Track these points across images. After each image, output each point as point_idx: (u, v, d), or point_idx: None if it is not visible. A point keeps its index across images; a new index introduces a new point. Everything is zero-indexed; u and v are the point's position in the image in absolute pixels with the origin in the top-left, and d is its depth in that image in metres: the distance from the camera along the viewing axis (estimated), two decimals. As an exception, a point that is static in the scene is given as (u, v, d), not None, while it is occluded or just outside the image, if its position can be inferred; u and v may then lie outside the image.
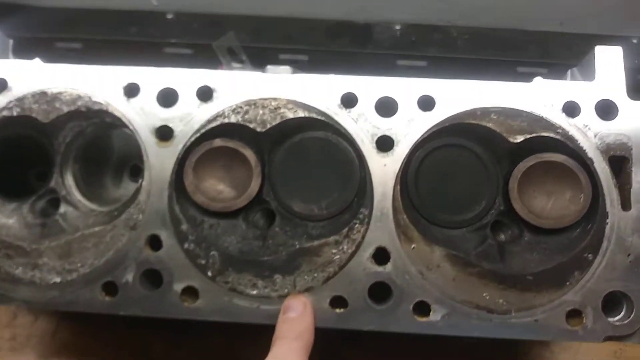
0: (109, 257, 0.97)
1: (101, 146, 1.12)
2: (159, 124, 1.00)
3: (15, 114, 0.99)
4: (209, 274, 0.97)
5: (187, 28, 1.41)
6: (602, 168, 1.00)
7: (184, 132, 1.00)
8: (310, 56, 1.42)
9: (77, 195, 1.05)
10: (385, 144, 1.00)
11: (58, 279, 0.97)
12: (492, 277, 0.99)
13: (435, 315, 0.98)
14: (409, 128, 1.00)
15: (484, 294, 0.99)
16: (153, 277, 0.98)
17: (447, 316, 0.98)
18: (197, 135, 1.00)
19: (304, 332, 0.90)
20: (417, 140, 1.00)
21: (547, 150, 1.02)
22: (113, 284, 0.98)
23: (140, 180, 1.00)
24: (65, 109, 0.99)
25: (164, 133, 1.00)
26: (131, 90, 1.01)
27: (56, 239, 0.98)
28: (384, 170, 1.00)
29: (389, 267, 0.98)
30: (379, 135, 1.00)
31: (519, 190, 1.02)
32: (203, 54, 1.43)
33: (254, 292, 0.97)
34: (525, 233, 1.05)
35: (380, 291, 0.99)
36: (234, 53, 1.45)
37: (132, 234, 0.97)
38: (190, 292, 0.98)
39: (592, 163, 1.00)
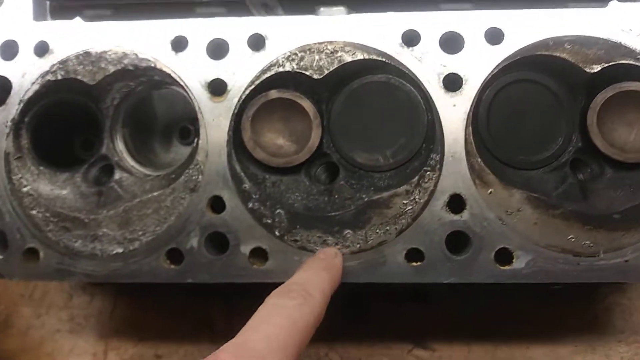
0: (171, 222, 0.92)
1: (149, 108, 1.06)
2: (211, 77, 0.94)
3: (59, 77, 0.94)
4: (277, 233, 0.92)
5: (219, -15, 1.34)
6: (688, 95, 0.92)
7: (238, 84, 0.94)
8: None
9: (129, 161, 1.00)
10: (453, 82, 0.93)
11: (120, 249, 0.93)
12: (577, 218, 0.93)
13: (518, 263, 0.92)
14: (478, 64, 0.93)
15: (569, 237, 0.93)
16: (218, 241, 0.93)
17: (532, 262, 0.92)
18: (252, 87, 0.94)
19: (333, 269, 0.86)
20: (487, 76, 0.93)
21: (626, 79, 0.93)
22: (178, 251, 0.93)
23: (195, 140, 0.95)
24: (112, 69, 0.94)
25: (217, 87, 0.94)
26: (179, 44, 0.94)
27: (114, 207, 0.94)
28: (453, 111, 0.93)
29: (465, 215, 0.92)
30: (445, 73, 0.92)
31: (598, 124, 0.94)
32: (237, 12, 1.36)
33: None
34: (607, 169, 0.98)
35: (457, 241, 0.93)
36: (269, 8, 1.38)
37: (193, 197, 0.92)
38: (259, 254, 0.93)
39: (677, 90, 0.92)
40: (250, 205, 0.93)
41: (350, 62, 0.93)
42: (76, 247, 0.94)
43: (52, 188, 0.97)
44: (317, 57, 0.93)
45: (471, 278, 0.92)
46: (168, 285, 0.95)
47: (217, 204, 0.93)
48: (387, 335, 1.19)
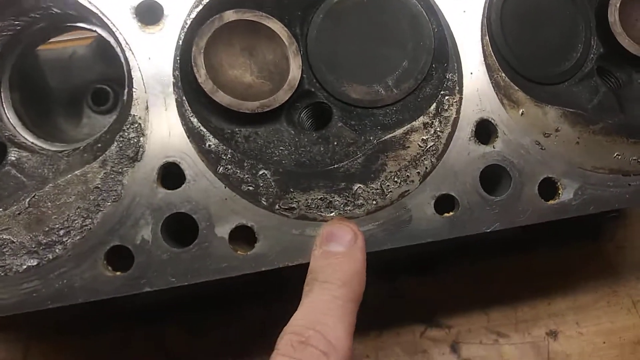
0: (107, 210, 0.63)
1: (46, 63, 0.75)
2: (138, 0, 0.66)
3: None
4: (264, 201, 0.66)
5: None
6: None
7: (178, 6, 0.67)
8: None
9: (27, 137, 0.69)
10: (458, -19, 0.73)
11: (33, 262, 0.62)
12: (619, 132, 0.77)
13: (566, 194, 0.74)
14: (482, -44, 0.74)
15: (615, 154, 0.77)
16: (182, 226, 0.66)
17: (580, 191, 0.75)
18: (198, 8, 0.67)
19: (354, 277, 0.61)
20: (496, -29, 0.74)
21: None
22: (123, 250, 0.64)
23: (125, 91, 0.66)
24: (-17, -1, 0.62)
25: (149, 12, 0.66)
26: (84, -48, 0.65)
27: (15, 201, 0.62)
28: (464, 19, 0.73)
29: (498, 143, 0.73)
30: (448, -31, 0.72)
31: (622, 21, 0.79)
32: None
33: (332, 213, 0.68)
34: (636, 75, 0.83)
35: (492, 178, 0.73)
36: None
37: (136, 169, 0.64)
38: (243, 235, 0.67)
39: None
40: (220, 169, 0.66)
41: (327, -35, 0.70)
42: (-38, 271, 0.62)
43: None
44: (282, -39, 0.69)
45: (517, 221, 0.73)
46: (105, 308, 0.65)
47: (172, 175, 0.65)
48: (393, 321, 0.97)
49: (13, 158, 0.65)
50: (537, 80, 0.79)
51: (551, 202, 0.74)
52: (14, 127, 0.68)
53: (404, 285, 1.00)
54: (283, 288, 0.76)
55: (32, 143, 0.68)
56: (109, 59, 0.84)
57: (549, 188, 0.74)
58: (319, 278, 0.61)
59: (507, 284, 1.01)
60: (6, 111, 0.68)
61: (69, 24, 0.71)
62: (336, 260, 0.62)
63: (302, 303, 0.59)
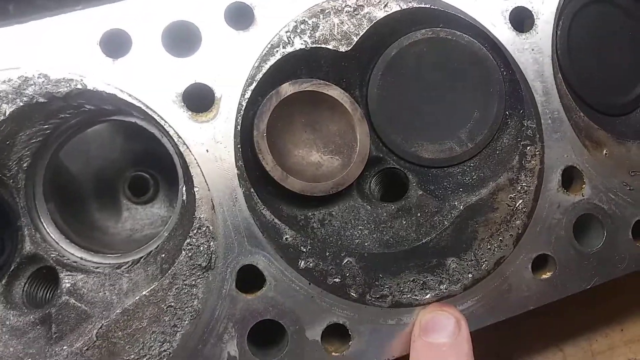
0: (186, 330, 0.56)
1: (74, 161, 0.66)
2: (184, 85, 0.58)
3: None
4: (353, 293, 0.60)
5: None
6: None
7: (230, 87, 0.59)
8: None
9: (74, 252, 0.61)
10: (522, 19, 0.67)
11: (109, 400, 0.54)
12: (702, 159, 0.72)
13: (660, 234, 0.69)
14: (543, -10, 0.68)
15: (702, 183, 0.72)
16: (269, 333, 0.58)
17: (673, 228, 0.70)
18: (253, 85, 0.60)
19: None
20: (558, 4, 0.68)
21: None
22: (209, 371, 0.57)
23: (182, 190, 0.59)
24: (8, 109, 0.54)
25: (199, 99, 0.58)
26: (116, 43, 0.57)
27: (80, 335, 0.54)
28: (532, 57, 0.67)
29: (586, 190, 0.67)
30: (511, 9, 0.66)
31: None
32: None
33: (427, 295, 0.61)
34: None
35: (582, 228, 0.68)
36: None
37: (211, 278, 0.56)
38: (336, 333, 0.60)
39: None
40: (302, 264, 0.59)
41: (384, 17, 0.63)
42: None
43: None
44: (336, 21, 0.62)
45: (616, 271, 0.67)
46: None
47: (251, 278, 0.58)
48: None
49: (68, 284, 0.57)
50: (611, 112, 0.74)
51: (646, 244, 0.69)
52: (59, 244, 0.60)
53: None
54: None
55: (82, 259, 0.60)
56: (135, 139, 0.76)
57: (641, 229, 0.69)
58: None
59: (577, 316, 0.96)
60: (47, 227, 0.60)
61: (103, 119, 0.63)
62: (442, 352, 0.56)
63: None
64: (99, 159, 0.73)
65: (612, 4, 0.75)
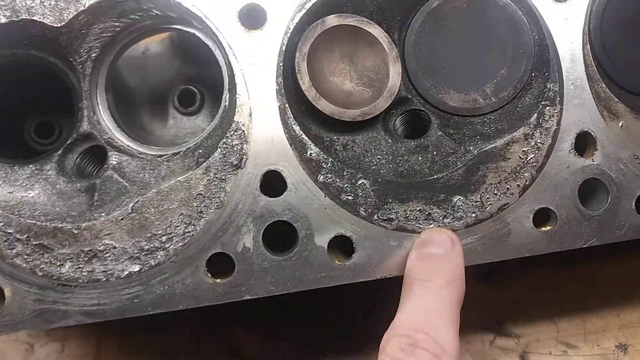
0: (210, 217, 0.62)
1: (121, 62, 0.73)
2: (243, 2, 0.65)
3: (4, 20, 0.60)
4: (363, 212, 0.66)
5: None
6: None
7: (281, 10, 0.66)
8: None
9: (122, 140, 0.68)
10: (560, -12, 0.71)
11: (136, 267, 0.62)
12: None
13: (663, 210, 0.73)
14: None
15: None
16: (282, 234, 0.65)
17: (677, 207, 0.73)
18: (301, 12, 0.66)
19: (456, 279, 0.60)
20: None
21: None
22: (225, 257, 0.63)
23: (226, 96, 0.65)
24: (88, 1, 0.62)
25: (253, 15, 0.65)
26: (192, -46, 0.64)
27: (118, 206, 0.62)
28: (565, 27, 0.71)
29: (597, 157, 0.71)
30: (552, -23, 0.70)
31: None
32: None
33: (431, 225, 0.67)
34: None
35: (589, 191, 0.72)
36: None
37: (239, 176, 0.63)
38: (341, 245, 0.66)
39: None
40: (320, 178, 0.65)
41: (429, -31, 0.68)
42: (65, 274, 0.61)
43: (10, 190, 0.63)
44: (385, -34, 0.67)
45: (614, 237, 0.71)
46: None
47: (274, 183, 0.64)
48: (463, 328, 0.96)
49: (114, 162, 0.65)
50: (635, 91, 0.77)
51: (649, 217, 0.72)
52: (111, 130, 0.67)
53: (474, 292, 0.99)
54: (354, 291, 0.75)
55: (129, 146, 0.67)
56: (188, 56, 0.83)
57: (646, 204, 0.72)
58: (418, 277, 0.60)
59: (575, 293, 1.00)
60: (103, 113, 0.68)
61: (166, 26, 0.70)
62: (436, 262, 0.61)
63: (404, 304, 0.58)
64: (156, 69, 0.81)
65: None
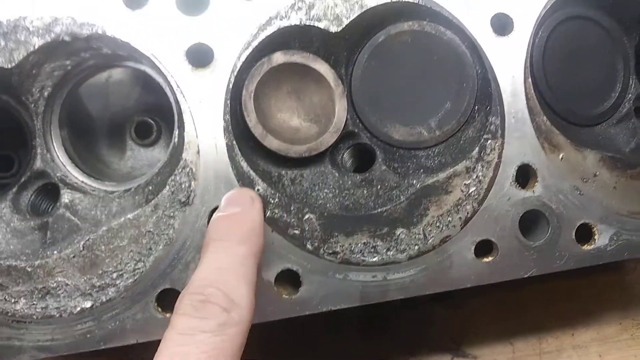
0: (159, 254, 0.64)
1: (93, 98, 0.75)
2: (190, 42, 0.66)
3: (-46, 62, 0.62)
4: (309, 246, 0.68)
5: None
6: None
7: (228, 49, 0.67)
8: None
9: (77, 176, 0.70)
10: (503, 24, 0.73)
11: (87, 304, 0.64)
12: (657, 176, 0.78)
13: (602, 239, 0.76)
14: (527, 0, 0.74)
15: (652, 199, 0.78)
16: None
17: (616, 236, 0.76)
18: (248, 51, 0.68)
19: (252, 234, 0.60)
20: (540, 14, 0.74)
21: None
22: (174, 293, 0.66)
23: (175, 133, 0.67)
24: (37, 42, 0.63)
25: (200, 55, 0.67)
26: (137, -3, 0.66)
27: (70, 244, 0.64)
28: (507, 60, 0.73)
29: (538, 188, 0.74)
30: (494, 14, 0.73)
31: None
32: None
33: (375, 258, 0.69)
34: (673, 115, 0.84)
35: (530, 222, 0.75)
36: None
37: (187, 213, 0.65)
38: (289, 279, 0.68)
39: None
40: (267, 213, 0.67)
41: (374, 7, 0.70)
42: (19, 310, 0.63)
43: (-37, 228, 0.65)
44: (331, 3, 0.69)
45: (554, 266, 0.74)
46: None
47: (222, 219, 0.66)
48: (421, 349, 0.99)
49: (66, 200, 0.67)
50: (576, 122, 0.80)
51: (587, 247, 0.75)
52: (65, 167, 0.69)
53: (430, 313, 1.02)
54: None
55: (83, 182, 0.69)
56: (148, 87, 0.84)
57: (584, 233, 0.75)
58: (214, 237, 0.59)
59: (531, 314, 1.02)
60: (57, 150, 0.69)
61: (117, 63, 0.71)
62: (232, 221, 0.61)
63: (200, 263, 0.58)
64: (112, 101, 0.82)
65: (594, 22, 0.80)
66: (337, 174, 0.72)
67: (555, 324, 1.02)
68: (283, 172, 0.70)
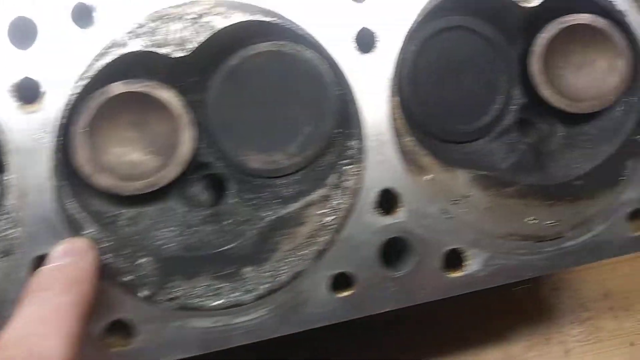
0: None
1: None
2: (17, 77, 0.62)
3: None
4: (145, 292, 0.64)
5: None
6: (639, 21, 0.75)
7: (59, 83, 0.63)
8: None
9: None
10: (367, 40, 0.68)
11: None
12: (535, 193, 0.74)
13: (473, 265, 0.72)
14: (394, 12, 0.69)
15: (529, 218, 0.74)
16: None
17: (489, 261, 0.72)
18: (84, 83, 0.63)
19: (77, 283, 0.56)
20: (412, 26, 0.70)
21: (568, 12, 0.75)
22: None
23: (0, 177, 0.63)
24: None
25: (27, 90, 0.62)
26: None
27: None
28: (371, 79, 0.69)
29: (401, 214, 0.69)
30: (358, 29, 0.68)
31: (544, 71, 0.75)
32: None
33: (219, 301, 0.65)
34: (558, 126, 0.80)
35: (395, 251, 0.71)
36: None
37: (9, 263, 0.62)
38: (121, 329, 0.64)
39: (626, 17, 0.75)
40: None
41: (224, 28, 0.65)
42: None
43: None
44: (176, 27, 0.64)
45: (415, 299, 0.70)
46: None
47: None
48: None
49: None
50: (451, 140, 0.76)
51: (457, 274, 0.71)
52: None
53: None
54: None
55: None
56: None
57: (454, 259, 0.71)
58: (33, 288, 0.56)
59: (435, 338, 0.98)
60: None
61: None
62: (56, 271, 0.57)
63: (13, 316, 0.53)
64: None
65: (473, 32, 0.75)
66: (185, 209, 0.68)
67: (458, 345, 0.98)
68: (120, 210, 0.66)
